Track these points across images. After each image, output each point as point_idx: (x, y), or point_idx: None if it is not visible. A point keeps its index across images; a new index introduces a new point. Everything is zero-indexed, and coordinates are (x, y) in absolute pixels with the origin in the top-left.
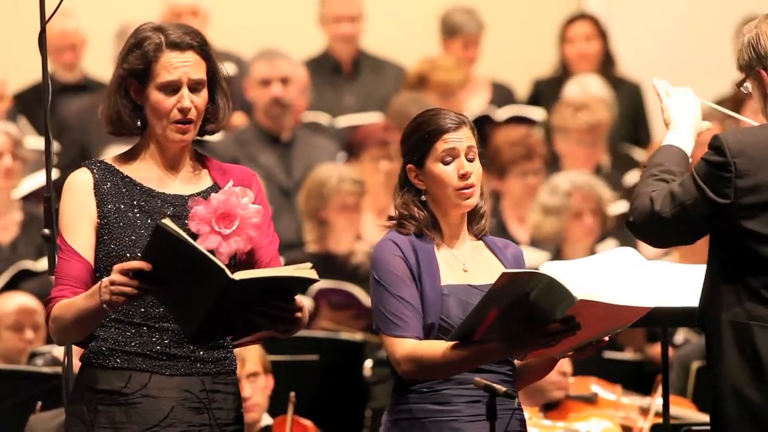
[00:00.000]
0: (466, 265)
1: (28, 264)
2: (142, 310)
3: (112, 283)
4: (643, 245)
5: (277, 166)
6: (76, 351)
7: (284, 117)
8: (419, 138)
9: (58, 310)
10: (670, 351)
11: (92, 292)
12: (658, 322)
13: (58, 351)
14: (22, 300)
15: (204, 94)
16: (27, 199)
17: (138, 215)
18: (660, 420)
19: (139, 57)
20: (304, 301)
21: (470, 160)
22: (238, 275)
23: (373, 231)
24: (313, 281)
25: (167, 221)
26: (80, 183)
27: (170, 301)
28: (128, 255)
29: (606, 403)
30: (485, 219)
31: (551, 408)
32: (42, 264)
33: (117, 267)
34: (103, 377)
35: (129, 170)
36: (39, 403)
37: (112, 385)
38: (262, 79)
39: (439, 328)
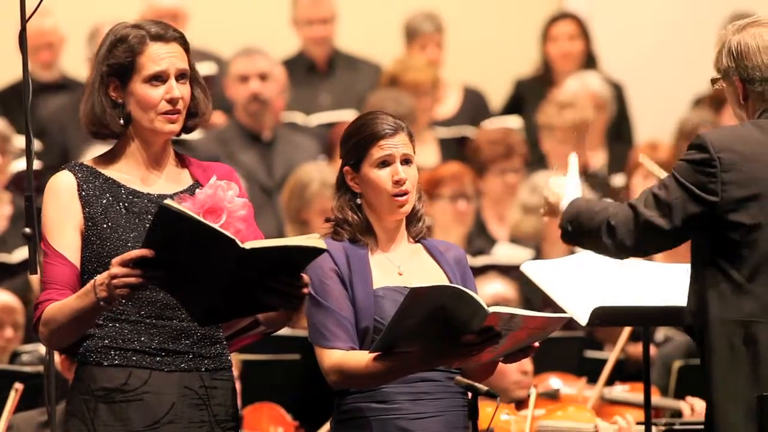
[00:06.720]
0: (402, 269)
1: (3, 257)
2: (138, 307)
3: (113, 277)
4: None
5: (258, 165)
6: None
7: (264, 114)
8: (356, 142)
9: (49, 313)
10: (652, 349)
11: (85, 291)
12: (640, 321)
13: (44, 349)
14: (2, 298)
15: (188, 86)
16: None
17: (125, 215)
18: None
19: (125, 51)
20: None
21: (406, 166)
22: (249, 244)
23: None
24: (321, 251)
25: (170, 201)
26: (63, 185)
27: (174, 286)
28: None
29: (568, 398)
30: (423, 222)
31: (518, 406)
32: (16, 256)
33: (115, 260)
34: (102, 375)
35: (110, 171)
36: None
37: (112, 382)
38: (240, 75)
39: (375, 329)
